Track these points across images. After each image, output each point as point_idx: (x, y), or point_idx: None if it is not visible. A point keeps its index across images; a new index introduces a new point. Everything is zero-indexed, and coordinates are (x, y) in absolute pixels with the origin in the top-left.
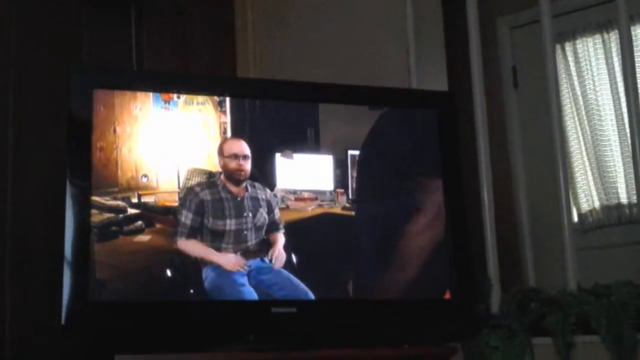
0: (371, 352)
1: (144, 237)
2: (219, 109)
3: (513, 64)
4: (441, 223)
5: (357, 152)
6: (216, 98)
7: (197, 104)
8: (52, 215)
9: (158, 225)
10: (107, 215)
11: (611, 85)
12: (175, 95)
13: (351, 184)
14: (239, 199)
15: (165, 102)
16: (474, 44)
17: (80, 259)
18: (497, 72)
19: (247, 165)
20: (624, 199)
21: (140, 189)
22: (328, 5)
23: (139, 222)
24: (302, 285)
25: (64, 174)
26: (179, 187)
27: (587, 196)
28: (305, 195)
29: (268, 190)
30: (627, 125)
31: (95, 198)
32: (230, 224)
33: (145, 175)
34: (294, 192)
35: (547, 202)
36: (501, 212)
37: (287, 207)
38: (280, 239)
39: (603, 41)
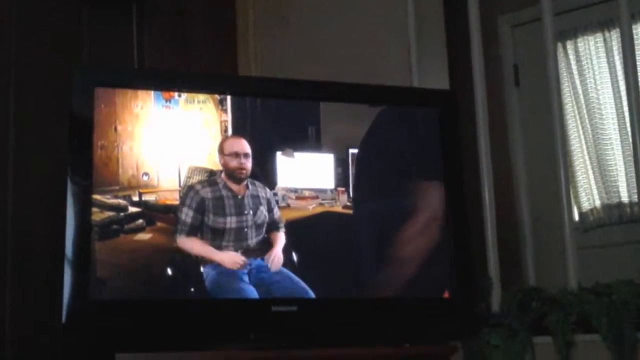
0: (372, 350)
1: (145, 236)
2: (220, 107)
3: (514, 62)
4: (442, 222)
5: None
6: (217, 96)
7: (198, 102)
8: (53, 214)
9: (159, 224)
10: (108, 213)
11: (612, 84)
12: (176, 94)
13: (352, 182)
14: (239, 196)
15: (166, 101)
16: (475, 43)
17: (81, 257)
18: (498, 71)
19: (248, 164)
20: (625, 198)
21: (141, 188)
22: (329, 5)
23: (140, 221)
24: (303, 284)
25: (65, 173)
26: (179, 186)
27: (588, 195)
28: (306, 193)
29: (268, 189)
30: (628, 124)
31: (96, 196)
32: (231, 221)
33: (146, 174)
34: (295, 190)
35: (548, 201)
36: (502, 211)
37: (288, 205)
38: (280, 239)
39: (604, 39)
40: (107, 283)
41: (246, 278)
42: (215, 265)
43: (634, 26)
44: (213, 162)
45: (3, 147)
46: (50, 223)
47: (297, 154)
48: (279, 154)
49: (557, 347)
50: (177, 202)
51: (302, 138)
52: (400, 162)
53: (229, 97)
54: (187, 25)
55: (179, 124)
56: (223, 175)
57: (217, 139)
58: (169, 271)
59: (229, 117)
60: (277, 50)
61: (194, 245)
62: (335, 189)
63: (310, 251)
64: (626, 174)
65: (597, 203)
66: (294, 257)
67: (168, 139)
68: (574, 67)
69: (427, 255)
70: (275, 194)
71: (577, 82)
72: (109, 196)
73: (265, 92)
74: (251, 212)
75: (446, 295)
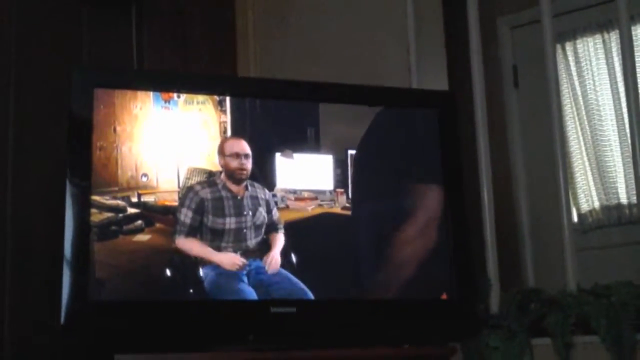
0: (371, 351)
1: (144, 237)
2: (219, 108)
3: (513, 63)
4: (441, 223)
5: None
6: (216, 97)
7: (197, 103)
8: (52, 215)
9: (158, 225)
10: (107, 214)
11: (611, 85)
12: (175, 95)
13: (351, 183)
14: (239, 197)
15: (165, 102)
16: (474, 44)
17: (80, 258)
18: (497, 72)
19: (249, 164)
20: (623, 199)
21: (140, 189)
22: (328, 5)
23: (139, 222)
24: (302, 285)
25: (64, 173)
26: (179, 187)
27: (587, 196)
28: (305, 195)
29: (267, 191)
30: (627, 126)
31: (95, 197)
32: (230, 222)
33: (145, 175)
34: (294, 191)
35: (547, 202)
36: (501, 212)
37: (287, 206)
38: (279, 240)
39: (603, 41)
40: (106, 284)
41: (245, 279)
42: (214, 267)
43: (633, 28)
44: (212, 163)
45: (2, 147)
46: (49, 223)
47: (296, 155)
48: (278, 155)
49: (556, 349)
50: (176, 203)
51: (301, 139)
52: (399, 163)
53: (228, 98)
54: (187, 26)
55: (178, 125)
56: (223, 176)
57: (217, 140)
58: (168, 272)
59: (228, 118)
60: (277, 51)
61: (193, 246)
62: (334, 190)
63: (309, 252)
64: (625, 176)
65: (596, 204)
66: (293, 258)
67: (167, 140)
68: (573, 68)
69: (426, 256)
70: (274, 195)
71: (576, 83)
72: (107, 197)
73: (264, 93)
74: (250, 213)
75: (445, 296)
